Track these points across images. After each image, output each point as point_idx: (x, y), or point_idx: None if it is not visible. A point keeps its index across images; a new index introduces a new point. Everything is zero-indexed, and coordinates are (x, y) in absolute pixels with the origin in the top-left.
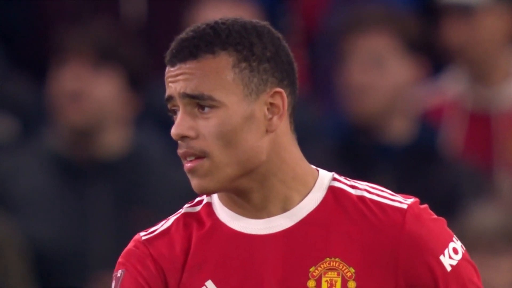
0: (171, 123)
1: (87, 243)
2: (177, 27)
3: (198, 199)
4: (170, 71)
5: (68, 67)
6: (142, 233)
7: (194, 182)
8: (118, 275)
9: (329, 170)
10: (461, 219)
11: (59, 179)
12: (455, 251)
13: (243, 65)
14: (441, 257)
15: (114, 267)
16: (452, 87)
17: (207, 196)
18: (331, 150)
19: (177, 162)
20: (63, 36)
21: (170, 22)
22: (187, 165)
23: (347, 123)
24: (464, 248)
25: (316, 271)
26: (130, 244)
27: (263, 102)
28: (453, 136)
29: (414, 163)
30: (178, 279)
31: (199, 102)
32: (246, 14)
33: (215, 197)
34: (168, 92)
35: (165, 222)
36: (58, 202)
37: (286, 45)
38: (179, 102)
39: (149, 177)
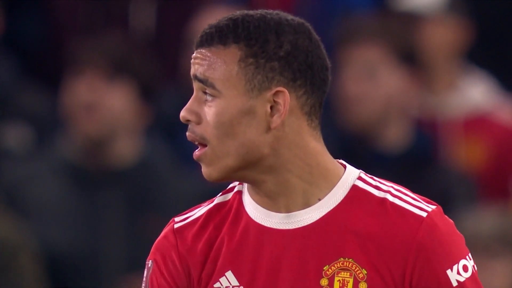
0: (179, 133)
1: (99, 248)
2: (185, 38)
3: (231, 185)
4: (194, 53)
5: (82, 79)
6: (177, 219)
7: (202, 170)
8: (149, 265)
9: None
10: (457, 223)
11: (73, 186)
12: (465, 268)
13: (250, 60)
14: (448, 271)
15: (125, 272)
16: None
17: (239, 184)
18: None
19: (186, 171)
20: (77, 49)
21: (178, 34)
22: (195, 153)
23: (342, 132)
24: (476, 269)
25: (330, 270)
26: (164, 231)
27: (265, 99)
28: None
29: (409, 169)
30: (200, 270)
31: (204, 88)
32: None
33: (246, 185)
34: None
35: (199, 210)
36: (72, 209)
37: (314, 47)
38: (194, 85)
39: (159, 184)
